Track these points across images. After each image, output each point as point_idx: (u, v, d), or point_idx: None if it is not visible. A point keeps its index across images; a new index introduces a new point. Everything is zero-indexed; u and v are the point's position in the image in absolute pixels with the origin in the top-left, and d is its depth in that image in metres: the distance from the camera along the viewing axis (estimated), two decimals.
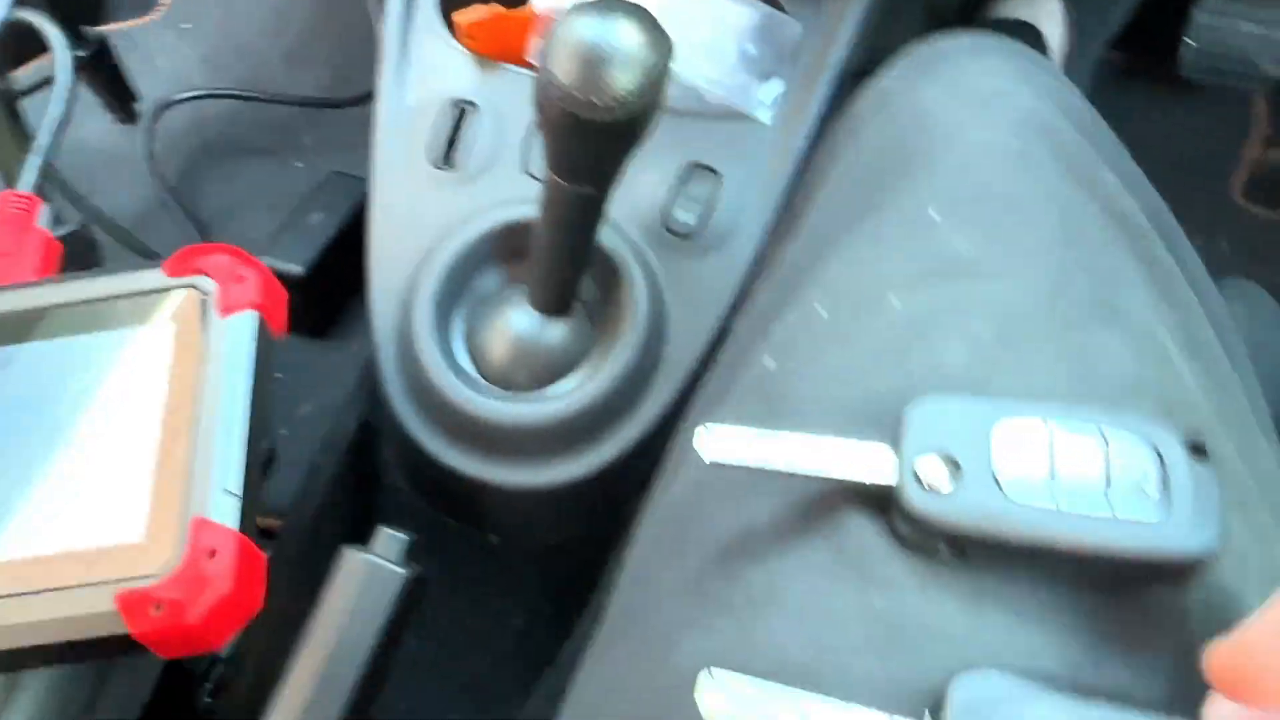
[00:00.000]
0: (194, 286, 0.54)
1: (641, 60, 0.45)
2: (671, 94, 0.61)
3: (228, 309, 0.53)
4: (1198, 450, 0.29)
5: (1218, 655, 0.23)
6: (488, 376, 0.60)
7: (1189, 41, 1.00)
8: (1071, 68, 1.02)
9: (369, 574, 0.49)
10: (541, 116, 0.48)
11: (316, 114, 1.10)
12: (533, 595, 0.62)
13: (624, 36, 0.45)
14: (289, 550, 0.58)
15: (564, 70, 0.45)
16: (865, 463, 0.30)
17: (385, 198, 0.62)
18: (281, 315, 0.56)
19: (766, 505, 0.32)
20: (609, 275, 0.59)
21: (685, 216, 0.60)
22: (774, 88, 0.62)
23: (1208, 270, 1.04)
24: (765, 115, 0.61)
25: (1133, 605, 0.29)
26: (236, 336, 0.52)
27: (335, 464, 0.63)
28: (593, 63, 0.45)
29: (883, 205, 0.37)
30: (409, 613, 0.50)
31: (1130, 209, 0.38)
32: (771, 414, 0.34)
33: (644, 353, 0.58)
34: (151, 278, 0.54)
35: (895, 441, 0.30)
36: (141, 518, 0.47)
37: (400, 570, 0.49)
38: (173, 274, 0.55)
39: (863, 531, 0.30)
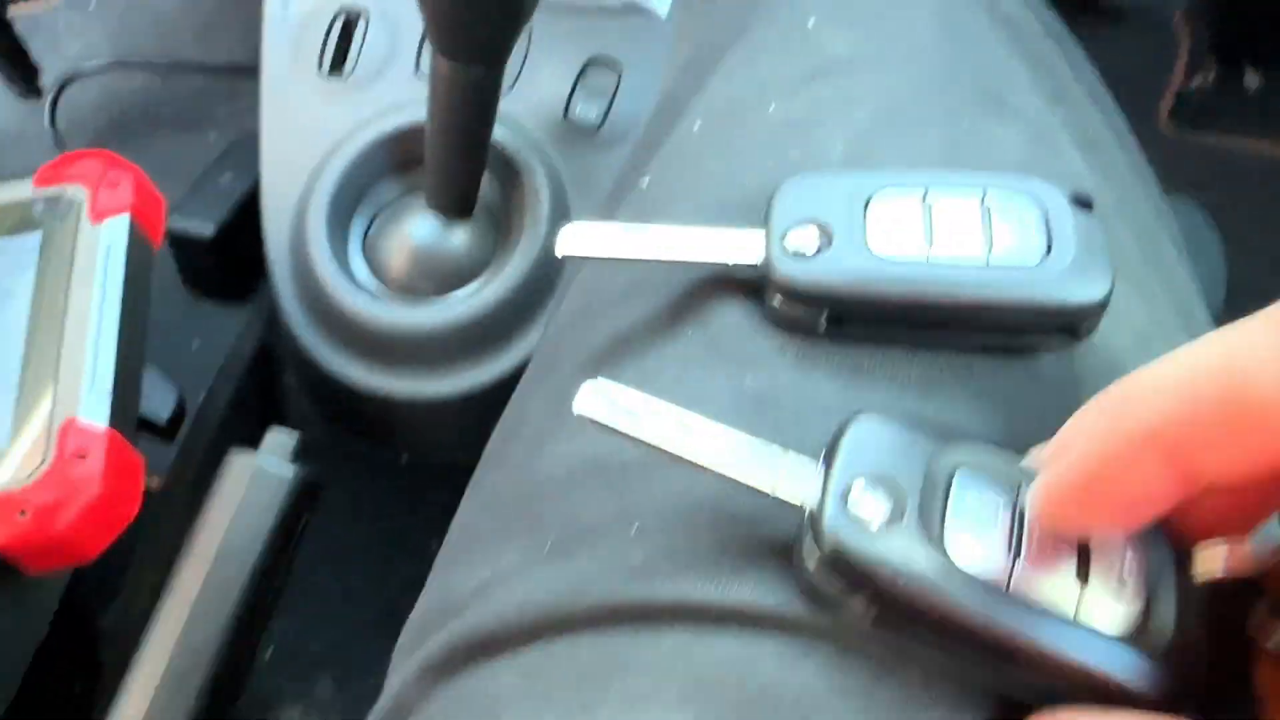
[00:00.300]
0: (62, 195, 0.51)
1: None
2: None
3: (99, 215, 0.50)
4: (1082, 203, 0.27)
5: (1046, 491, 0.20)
6: (390, 286, 0.57)
7: None
8: None
9: (256, 474, 0.46)
10: None
11: (231, 84, 1.07)
12: (447, 518, 0.60)
13: None
14: (186, 476, 0.55)
15: None
16: (734, 245, 0.28)
17: (274, 110, 0.59)
18: (159, 222, 0.53)
19: (641, 309, 0.30)
20: (509, 175, 0.57)
21: (586, 111, 0.58)
22: None
23: None
24: (661, 8, 0.59)
25: (1023, 371, 0.27)
26: (108, 240, 0.49)
27: (232, 388, 0.60)
28: None
29: (759, 21, 0.35)
30: (301, 517, 0.47)
31: (1017, 11, 0.36)
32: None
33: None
34: (20, 188, 0.52)
35: (766, 221, 0.28)
36: (6, 421, 0.44)
37: (289, 467, 0.46)
38: (42, 184, 0.52)
39: (735, 315, 0.28)
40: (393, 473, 0.58)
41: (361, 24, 0.60)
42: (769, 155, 0.31)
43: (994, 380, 0.27)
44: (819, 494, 0.22)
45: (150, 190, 0.52)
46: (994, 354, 0.27)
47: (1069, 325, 0.26)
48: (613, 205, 0.35)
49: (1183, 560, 0.21)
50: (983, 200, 0.27)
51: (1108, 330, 0.27)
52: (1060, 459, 0.20)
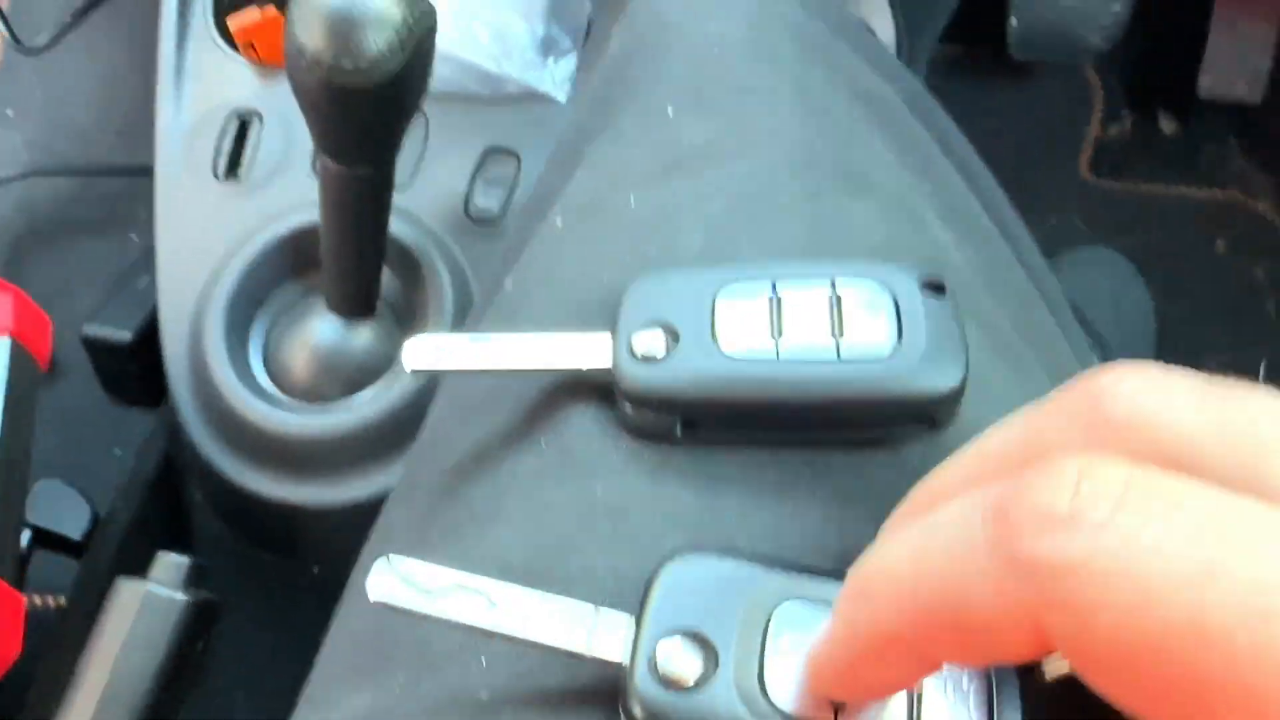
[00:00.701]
0: None
1: (391, 18, 0.43)
2: (466, 80, 0.59)
3: None
4: (934, 288, 0.27)
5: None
6: (293, 392, 0.56)
7: (1013, 21, 1.02)
8: (905, 62, 1.03)
9: (145, 602, 0.44)
10: (299, 92, 0.45)
11: (149, 186, 1.06)
12: None
13: None
14: (87, 600, 0.53)
15: (312, 36, 0.43)
16: (583, 350, 0.27)
17: (169, 215, 0.59)
18: (45, 343, 0.51)
19: (498, 418, 0.29)
20: (411, 270, 0.56)
21: (487, 201, 0.58)
22: (567, 64, 0.60)
23: (1066, 243, 1.04)
24: (560, 93, 0.59)
25: (886, 462, 0.26)
26: None
27: (133, 506, 0.58)
28: (341, 25, 0.42)
29: (622, 109, 0.35)
30: (196, 642, 0.45)
31: (877, 87, 0.36)
32: (508, 330, 0.31)
33: None
34: None
35: (614, 325, 0.27)
36: None
37: (180, 596, 0.44)
38: None
39: (589, 423, 0.27)
40: (303, 585, 0.56)
41: (255, 126, 0.60)
42: (628, 251, 0.30)
43: (855, 475, 0.26)
44: (629, 655, 0.21)
45: (34, 311, 0.51)
46: (856, 447, 0.26)
47: (925, 415, 0.25)
48: (482, 307, 0.34)
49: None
50: (832, 291, 0.26)
51: (978, 408, 0.26)
52: (822, 639, 0.19)
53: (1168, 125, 1.12)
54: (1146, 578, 0.12)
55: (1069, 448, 0.15)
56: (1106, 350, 0.90)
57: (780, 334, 0.26)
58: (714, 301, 0.27)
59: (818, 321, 0.26)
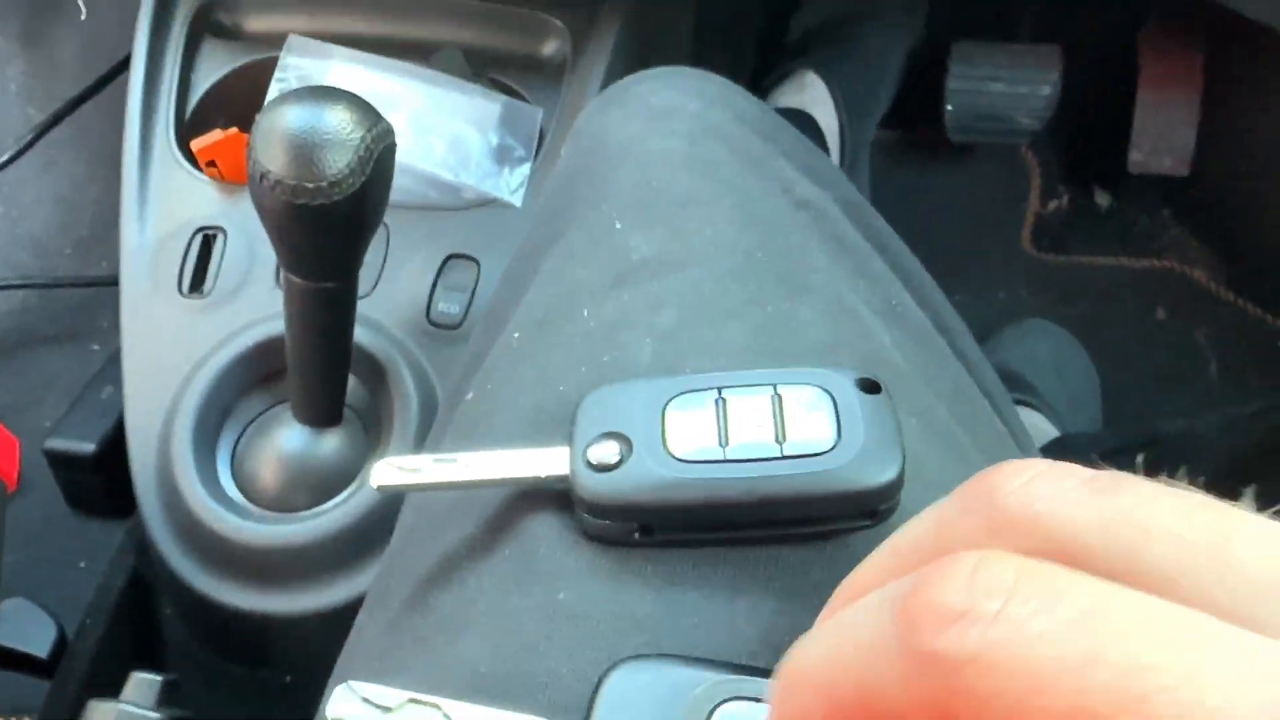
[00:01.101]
0: None
1: (351, 140, 0.45)
2: (425, 190, 0.61)
3: None
4: (870, 387, 0.28)
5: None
6: (262, 502, 0.56)
7: (948, 107, 1.06)
8: (848, 148, 1.07)
9: None
10: (262, 212, 0.47)
11: (111, 296, 1.07)
12: None
13: (330, 118, 0.44)
14: (60, 716, 0.53)
15: (274, 159, 0.44)
16: (542, 462, 0.28)
17: (135, 333, 0.60)
18: (13, 464, 0.52)
19: (463, 529, 0.30)
20: (376, 377, 0.57)
21: (449, 307, 0.59)
22: (521, 172, 0.62)
23: (1011, 316, 1.06)
24: (516, 199, 0.61)
25: (835, 555, 0.27)
26: None
27: (102, 623, 0.58)
28: (302, 148, 0.44)
29: (571, 226, 0.37)
30: None
31: (813, 195, 0.38)
32: (470, 443, 0.32)
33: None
34: None
35: (570, 437, 0.28)
36: None
37: (154, 716, 0.44)
38: None
39: (550, 530, 0.28)
40: (276, 693, 0.56)
41: (219, 241, 0.61)
42: (582, 364, 0.32)
43: (803, 571, 0.27)
44: None
45: (0, 432, 0.51)
46: (804, 542, 0.28)
47: (866, 507, 0.27)
48: (443, 420, 0.36)
49: None
50: (774, 395, 0.28)
51: (919, 497, 0.28)
52: None
53: (1102, 199, 1.17)
54: (1036, 665, 0.14)
55: (969, 543, 0.16)
56: (1057, 419, 0.93)
57: (726, 439, 0.27)
58: (664, 411, 0.28)
59: (762, 425, 0.28)
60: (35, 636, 0.69)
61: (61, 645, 0.68)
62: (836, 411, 0.27)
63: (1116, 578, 0.15)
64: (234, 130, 0.62)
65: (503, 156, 0.62)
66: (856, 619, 0.16)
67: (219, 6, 0.69)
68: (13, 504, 0.75)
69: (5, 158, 0.97)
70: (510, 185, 0.61)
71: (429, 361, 0.58)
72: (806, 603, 0.26)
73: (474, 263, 0.60)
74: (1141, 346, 1.07)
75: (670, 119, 0.39)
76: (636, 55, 0.68)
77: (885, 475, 0.27)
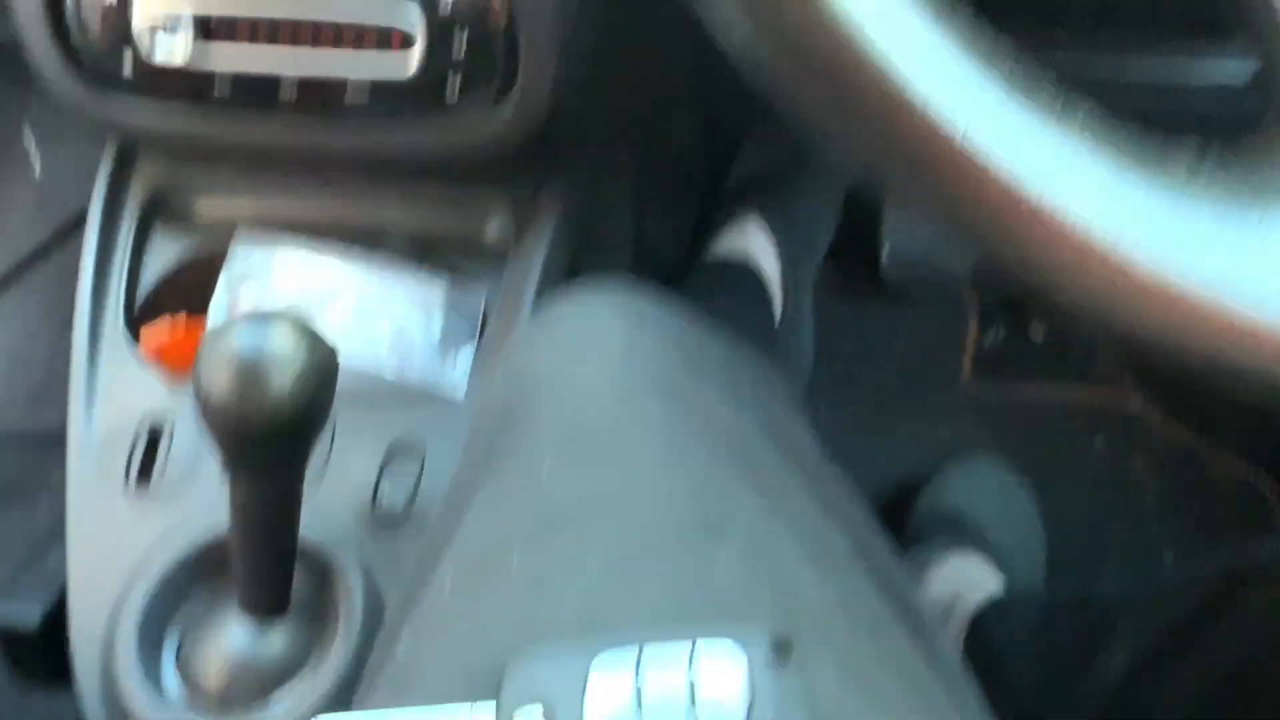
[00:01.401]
0: None
1: (294, 363, 0.46)
2: (368, 385, 0.63)
3: None
4: (783, 649, 0.30)
5: None
6: (207, 702, 0.56)
7: (885, 255, 1.10)
8: (790, 292, 1.10)
9: None
10: (207, 427, 0.48)
11: (62, 451, 1.07)
12: None
13: (275, 345, 0.46)
14: None
15: (218, 383, 0.46)
16: None
17: (80, 527, 0.60)
18: None
19: None
20: (320, 569, 0.58)
21: (394, 497, 0.60)
22: (465, 359, 0.64)
23: (954, 451, 1.09)
24: (459, 392, 0.63)
25: None
26: None
27: None
28: (246, 371, 0.46)
29: (500, 464, 0.38)
30: None
31: (735, 423, 0.40)
32: (403, 698, 0.33)
33: (363, 647, 0.56)
34: None
35: (496, 703, 0.30)
36: None
37: None
38: None
39: None
40: None
41: (166, 434, 0.62)
42: (511, 618, 0.33)
43: None
44: None
45: None
46: None
47: None
48: (374, 672, 0.37)
49: None
50: (691, 657, 0.30)
51: None
52: None
53: (1037, 331, 1.20)
54: None
55: None
56: (1001, 561, 0.95)
57: (640, 706, 0.29)
58: (586, 675, 0.30)
59: (675, 691, 0.29)
60: None
61: None
62: (751, 679, 0.29)
63: None
64: (183, 315, 0.64)
65: (446, 343, 0.64)
66: None
67: (171, 191, 0.71)
68: None
69: None
70: (454, 380, 0.63)
71: (373, 554, 0.59)
72: None
73: (418, 454, 0.61)
74: (1082, 478, 1.09)
75: (594, 349, 0.41)
76: (579, 230, 0.70)
77: None
